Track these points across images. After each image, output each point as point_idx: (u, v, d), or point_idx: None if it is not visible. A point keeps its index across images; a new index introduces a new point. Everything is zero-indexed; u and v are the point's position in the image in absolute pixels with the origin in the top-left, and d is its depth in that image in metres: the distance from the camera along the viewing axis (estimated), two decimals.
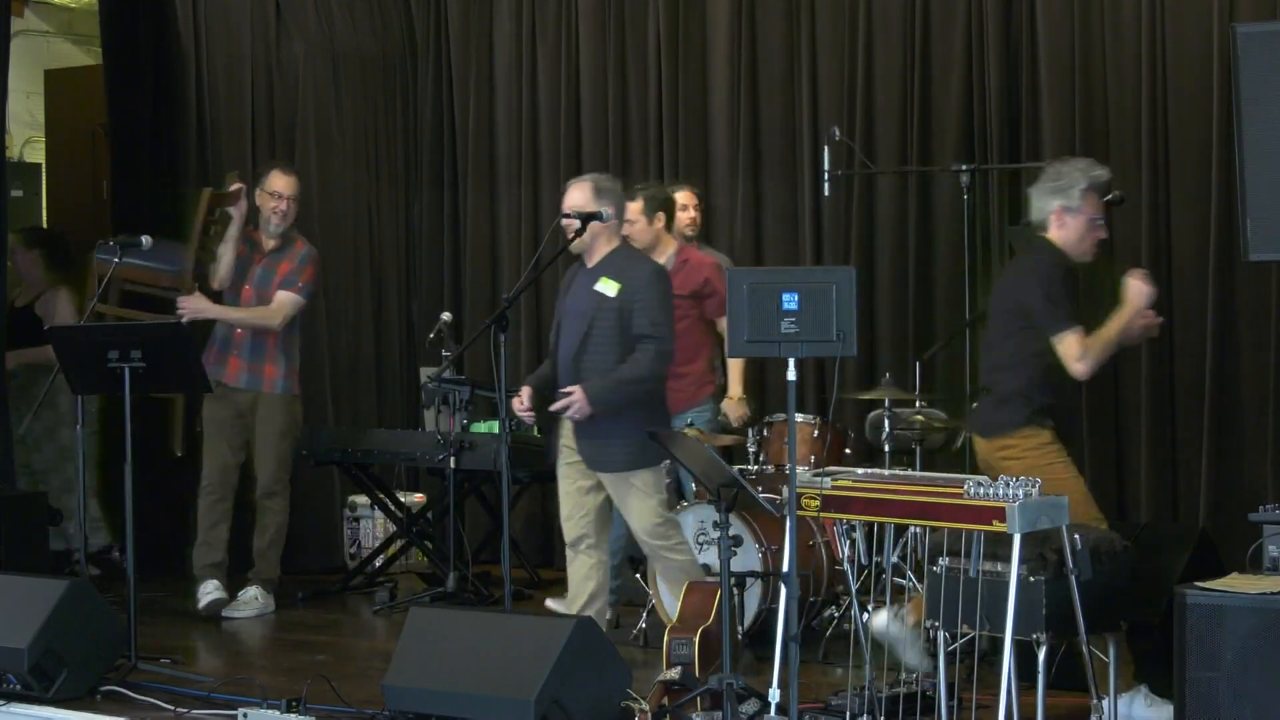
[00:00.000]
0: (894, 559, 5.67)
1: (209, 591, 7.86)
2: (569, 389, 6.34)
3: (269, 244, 8.00)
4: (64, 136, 10.29)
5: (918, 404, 7.28)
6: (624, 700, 5.74)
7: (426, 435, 8.33)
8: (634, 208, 7.28)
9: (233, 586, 7.96)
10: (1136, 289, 5.88)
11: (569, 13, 9.31)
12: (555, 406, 6.44)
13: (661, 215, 7.40)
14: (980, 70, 8.05)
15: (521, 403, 6.50)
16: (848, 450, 7.31)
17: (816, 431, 7.22)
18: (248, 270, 7.92)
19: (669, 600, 6.62)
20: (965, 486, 5.18)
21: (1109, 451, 7.79)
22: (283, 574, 8.58)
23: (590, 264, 6.45)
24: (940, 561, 5.48)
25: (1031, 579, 5.30)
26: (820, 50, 8.53)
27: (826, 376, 8.32)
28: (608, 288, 6.38)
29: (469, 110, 9.66)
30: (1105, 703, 5.54)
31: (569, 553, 6.59)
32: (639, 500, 6.43)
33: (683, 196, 8.11)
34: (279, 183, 7.97)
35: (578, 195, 6.45)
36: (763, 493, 6.06)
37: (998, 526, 5.09)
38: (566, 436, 6.48)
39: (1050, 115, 7.88)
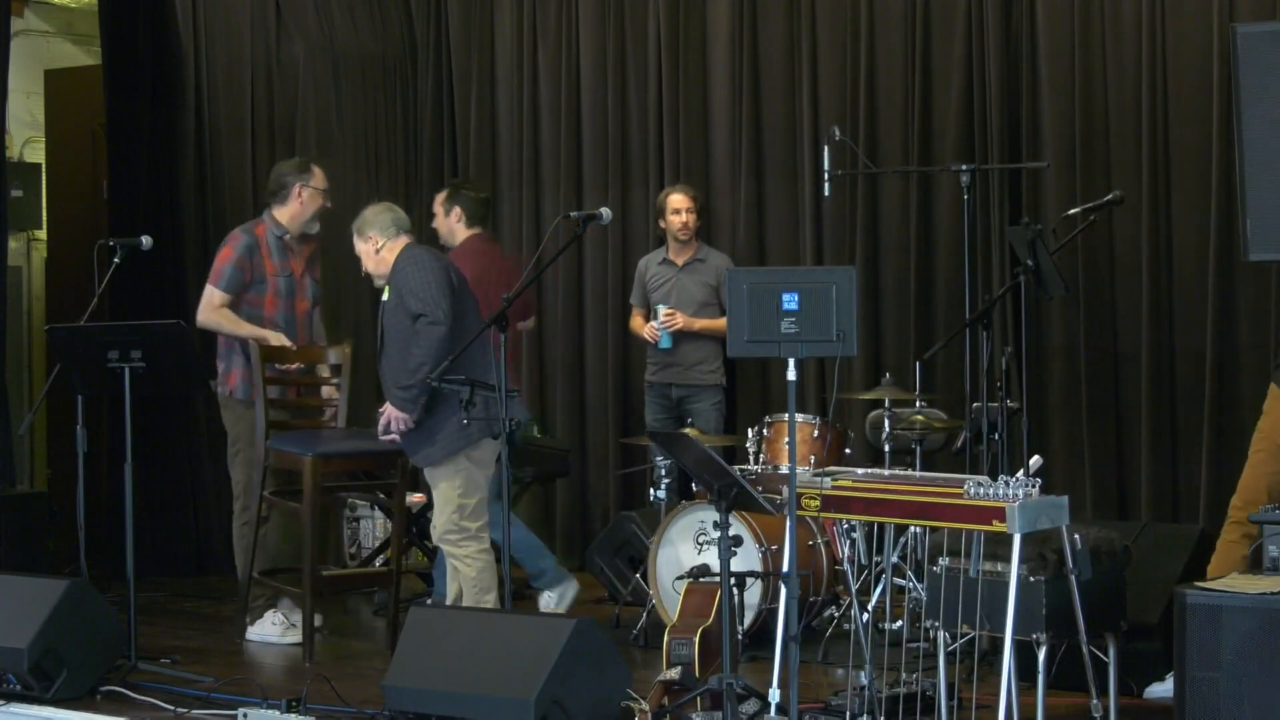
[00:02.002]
0: (894, 559, 5.67)
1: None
2: (382, 408, 6.56)
3: (304, 249, 7.62)
4: (64, 136, 10.29)
5: (918, 404, 7.28)
6: (624, 700, 5.74)
7: None
8: (438, 199, 7.83)
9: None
10: None
11: (569, 13, 9.31)
12: (380, 431, 6.61)
13: (459, 210, 7.68)
14: (980, 70, 8.04)
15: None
16: (848, 450, 7.31)
17: (816, 431, 7.21)
18: (297, 284, 7.56)
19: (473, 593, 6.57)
20: (965, 486, 5.18)
21: (1109, 451, 7.79)
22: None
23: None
24: (940, 561, 5.48)
25: (1031, 579, 5.30)
26: (820, 50, 8.53)
27: (827, 376, 8.32)
28: (386, 295, 6.60)
29: (469, 110, 9.65)
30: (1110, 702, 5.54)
31: None
32: (438, 496, 6.56)
33: (675, 200, 8.21)
34: (324, 179, 7.62)
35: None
36: (763, 493, 6.06)
37: (998, 526, 5.09)
38: None
39: (1050, 115, 7.87)
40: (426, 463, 6.62)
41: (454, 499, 6.49)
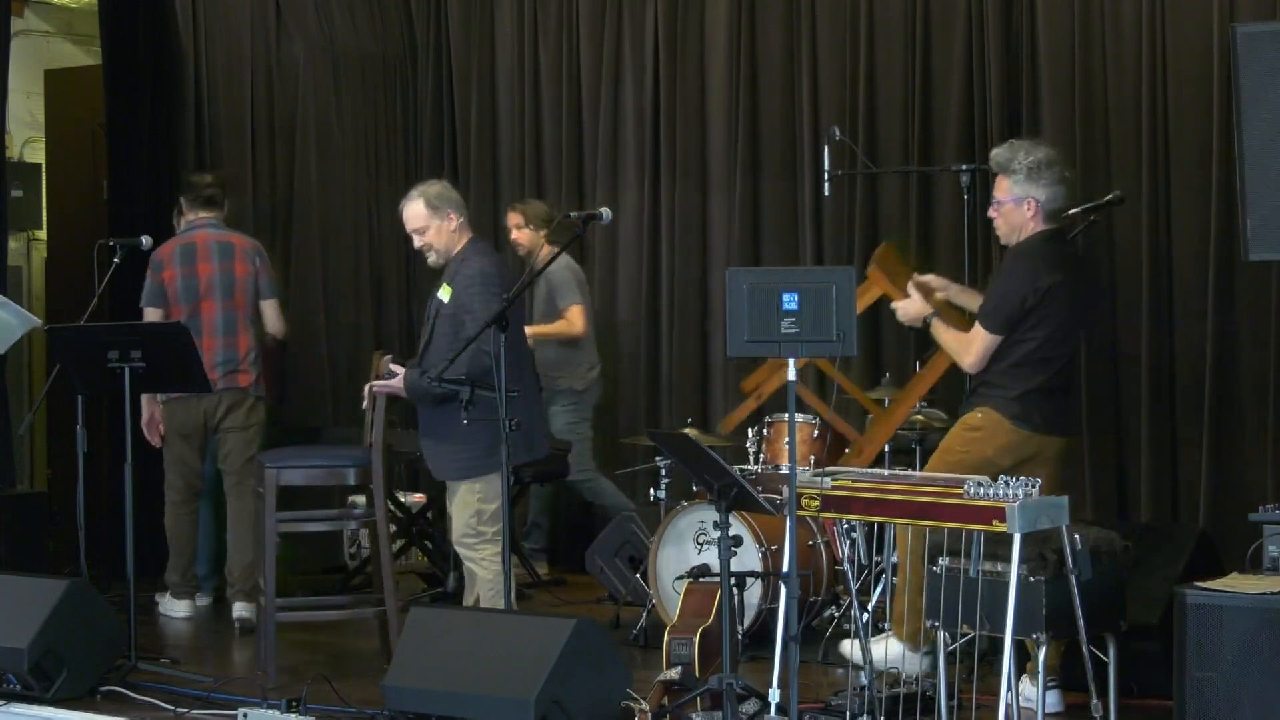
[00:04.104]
0: (894, 559, 5.68)
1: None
2: (396, 368, 6.50)
3: None
4: (64, 136, 10.28)
5: (918, 404, 7.27)
6: (624, 700, 5.74)
7: None
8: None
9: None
10: None
11: (569, 13, 9.31)
12: (379, 385, 6.57)
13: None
14: (980, 70, 8.04)
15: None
16: (848, 450, 7.31)
17: (816, 431, 7.21)
18: None
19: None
20: (965, 486, 5.19)
21: (1109, 451, 7.79)
22: (282, 574, 8.60)
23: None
24: (940, 561, 5.48)
25: (1031, 579, 5.30)
26: (820, 50, 8.53)
27: (826, 377, 8.31)
28: (444, 293, 6.51)
29: (469, 110, 9.65)
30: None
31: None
32: (456, 500, 6.54)
33: (507, 219, 8.62)
34: None
35: (414, 211, 6.57)
36: (763, 493, 6.06)
37: (998, 526, 5.09)
38: None
39: (1050, 115, 7.87)
40: (441, 476, 6.62)
41: (473, 504, 6.47)
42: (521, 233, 8.60)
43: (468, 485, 6.47)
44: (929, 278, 6.49)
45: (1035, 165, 6.04)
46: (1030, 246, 6.08)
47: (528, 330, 8.14)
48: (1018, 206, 6.08)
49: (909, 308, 6.31)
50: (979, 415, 6.05)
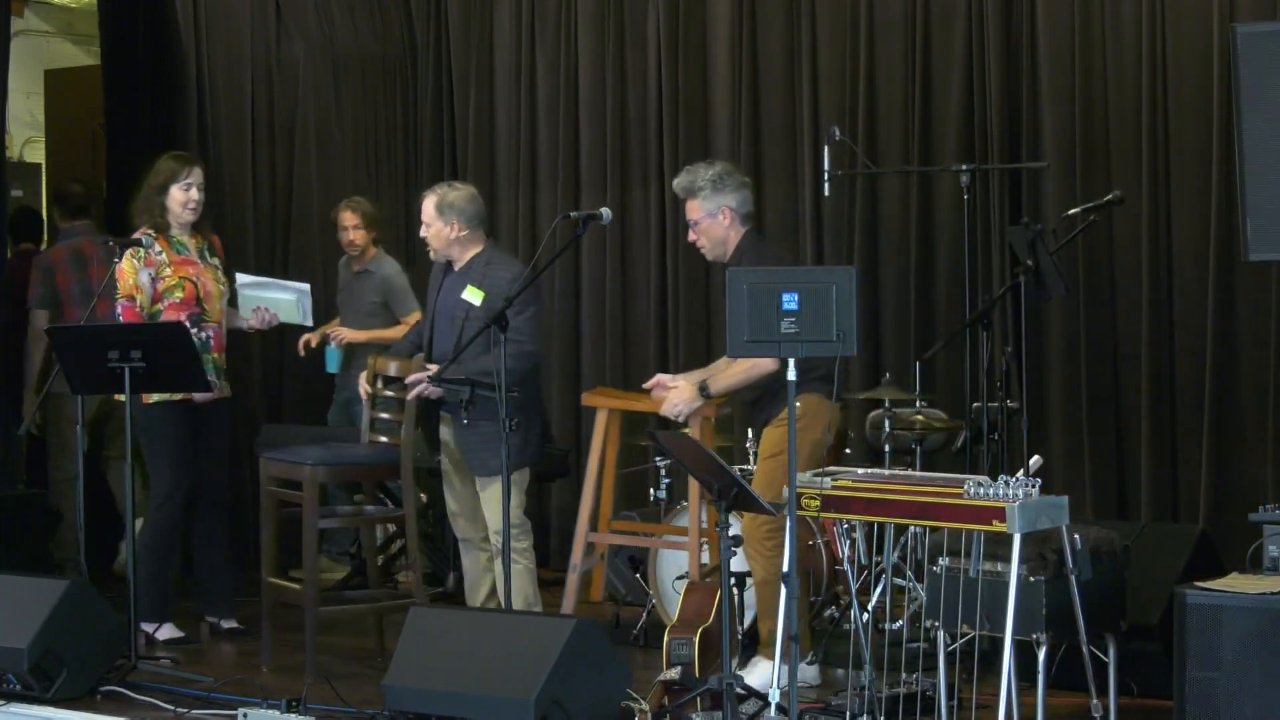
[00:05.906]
0: (894, 559, 5.68)
1: None
2: (432, 368, 6.48)
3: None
4: (64, 136, 10.30)
5: (918, 404, 7.28)
6: (624, 700, 5.74)
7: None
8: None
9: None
10: None
11: (569, 13, 9.31)
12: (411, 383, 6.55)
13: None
14: (980, 70, 8.04)
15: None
16: (848, 450, 7.31)
17: None
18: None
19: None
20: (965, 486, 5.19)
21: (1109, 452, 7.79)
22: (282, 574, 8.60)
23: (456, 268, 6.72)
24: (940, 561, 5.48)
25: (1031, 579, 5.30)
26: (820, 50, 8.53)
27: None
28: (473, 296, 6.55)
29: (469, 110, 9.65)
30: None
31: (463, 547, 6.91)
32: (500, 498, 6.49)
33: (343, 218, 8.58)
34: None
35: (424, 207, 6.77)
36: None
37: (998, 526, 5.09)
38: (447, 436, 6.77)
39: (1050, 115, 7.87)
40: (481, 472, 6.64)
41: (519, 496, 6.62)
42: (357, 232, 8.56)
43: (517, 475, 6.58)
44: (659, 378, 6.55)
45: (717, 177, 6.33)
46: (748, 250, 6.32)
47: (367, 335, 8.24)
48: (714, 219, 6.34)
49: (677, 397, 6.36)
50: (798, 405, 6.03)
